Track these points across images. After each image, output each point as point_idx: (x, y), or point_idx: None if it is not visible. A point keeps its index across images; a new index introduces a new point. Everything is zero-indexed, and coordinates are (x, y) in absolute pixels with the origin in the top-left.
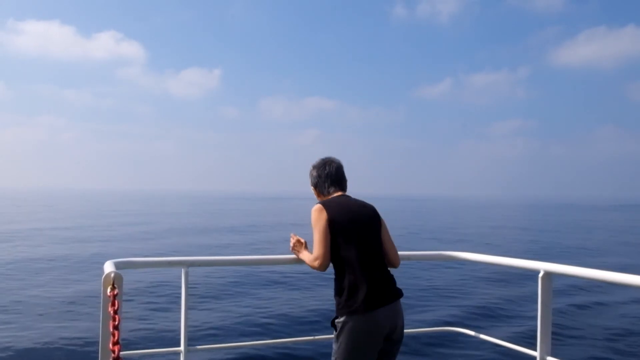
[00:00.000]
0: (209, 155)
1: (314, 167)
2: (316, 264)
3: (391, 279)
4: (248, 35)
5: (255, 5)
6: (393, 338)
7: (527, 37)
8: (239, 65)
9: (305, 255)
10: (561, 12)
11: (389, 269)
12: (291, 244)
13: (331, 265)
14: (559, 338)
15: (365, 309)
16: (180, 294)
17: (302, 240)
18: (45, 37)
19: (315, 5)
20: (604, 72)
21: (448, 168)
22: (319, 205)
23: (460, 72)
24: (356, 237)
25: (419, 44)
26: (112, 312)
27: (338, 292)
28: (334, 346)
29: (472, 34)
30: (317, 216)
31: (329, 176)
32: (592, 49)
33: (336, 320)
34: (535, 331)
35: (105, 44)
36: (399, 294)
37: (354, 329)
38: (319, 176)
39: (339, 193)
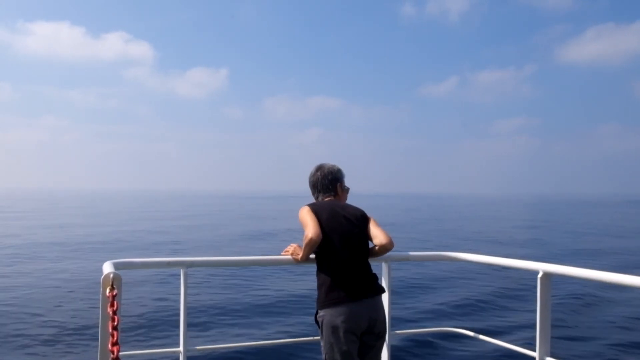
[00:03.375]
0: (213, 155)
1: (309, 177)
2: (307, 240)
3: (372, 276)
4: (254, 34)
5: (261, 5)
6: (374, 331)
7: (534, 34)
8: (245, 65)
9: (302, 248)
10: (570, 9)
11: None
12: (290, 251)
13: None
14: (558, 339)
15: (342, 302)
16: (179, 294)
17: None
18: (54, 38)
19: (322, 6)
20: (610, 69)
21: (451, 166)
22: (305, 206)
23: (467, 70)
24: (339, 232)
25: (426, 42)
26: (111, 312)
27: (318, 286)
28: (321, 343)
29: (480, 32)
30: (303, 212)
31: (316, 185)
32: (600, 46)
33: (317, 316)
34: (535, 332)
35: (114, 45)
36: (379, 290)
37: (332, 322)
38: (310, 185)
39: (329, 198)
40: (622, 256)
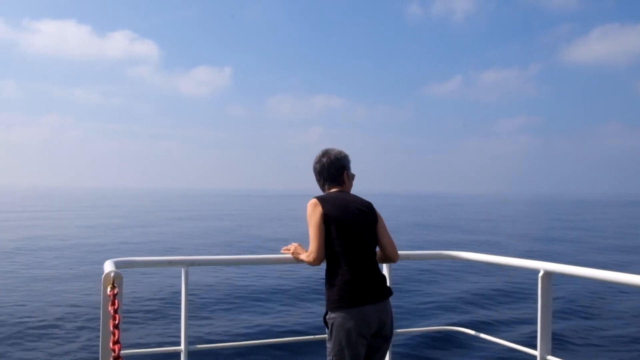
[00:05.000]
0: (216, 153)
1: (314, 162)
2: (310, 258)
3: (382, 277)
4: (259, 33)
5: (266, 4)
6: (382, 334)
7: (540, 34)
8: (249, 63)
9: (302, 255)
10: (576, 9)
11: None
12: (292, 250)
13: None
14: (559, 337)
15: (353, 305)
16: (180, 293)
17: (302, 247)
18: (60, 36)
19: (328, 5)
20: (614, 69)
21: (454, 165)
22: (314, 200)
23: (471, 70)
24: (349, 233)
25: (431, 42)
26: (112, 311)
27: (329, 287)
28: (328, 344)
29: (485, 32)
30: (311, 211)
31: (322, 172)
32: (605, 46)
33: (327, 317)
34: (536, 330)
35: (120, 43)
36: (388, 293)
37: (343, 325)
38: (314, 172)
39: (336, 189)
40: (624, 255)
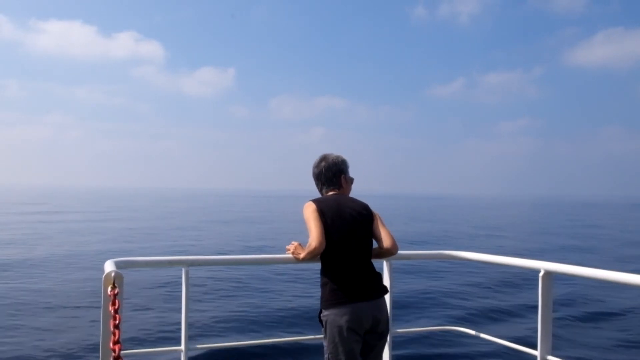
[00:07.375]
0: (218, 154)
1: (313, 167)
2: (313, 244)
3: (376, 275)
4: (263, 34)
5: (271, 5)
6: (377, 331)
7: (544, 37)
8: (252, 64)
9: (303, 253)
10: (581, 13)
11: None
12: (292, 250)
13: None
14: (559, 337)
15: (346, 302)
16: (180, 293)
17: (302, 246)
18: (65, 36)
19: (332, 7)
20: (617, 72)
21: (455, 166)
22: (308, 202)
23: (474, 72)
24: (343, 231)
25: (435, 44)
26: (112, 311)
27: (322, 285)
28: (324, 342)
29: (490, 35)
30: (307, 210)
31: (320, 177)
32: (608, 49)
33: (321, 315)
34: (536, 330)
35: (125, 44)
36: (383, 290)
37: (336, 322)
38: (313, 176)
39: (333, 192)
40: (624, 255)
